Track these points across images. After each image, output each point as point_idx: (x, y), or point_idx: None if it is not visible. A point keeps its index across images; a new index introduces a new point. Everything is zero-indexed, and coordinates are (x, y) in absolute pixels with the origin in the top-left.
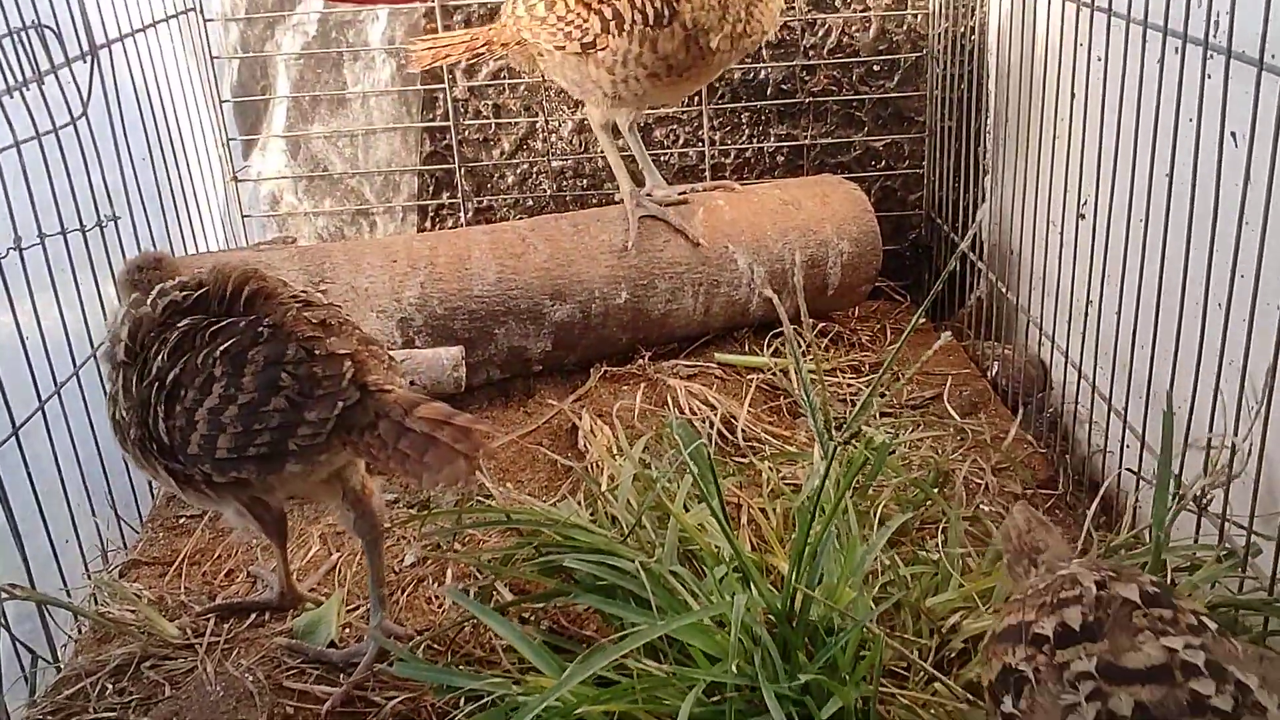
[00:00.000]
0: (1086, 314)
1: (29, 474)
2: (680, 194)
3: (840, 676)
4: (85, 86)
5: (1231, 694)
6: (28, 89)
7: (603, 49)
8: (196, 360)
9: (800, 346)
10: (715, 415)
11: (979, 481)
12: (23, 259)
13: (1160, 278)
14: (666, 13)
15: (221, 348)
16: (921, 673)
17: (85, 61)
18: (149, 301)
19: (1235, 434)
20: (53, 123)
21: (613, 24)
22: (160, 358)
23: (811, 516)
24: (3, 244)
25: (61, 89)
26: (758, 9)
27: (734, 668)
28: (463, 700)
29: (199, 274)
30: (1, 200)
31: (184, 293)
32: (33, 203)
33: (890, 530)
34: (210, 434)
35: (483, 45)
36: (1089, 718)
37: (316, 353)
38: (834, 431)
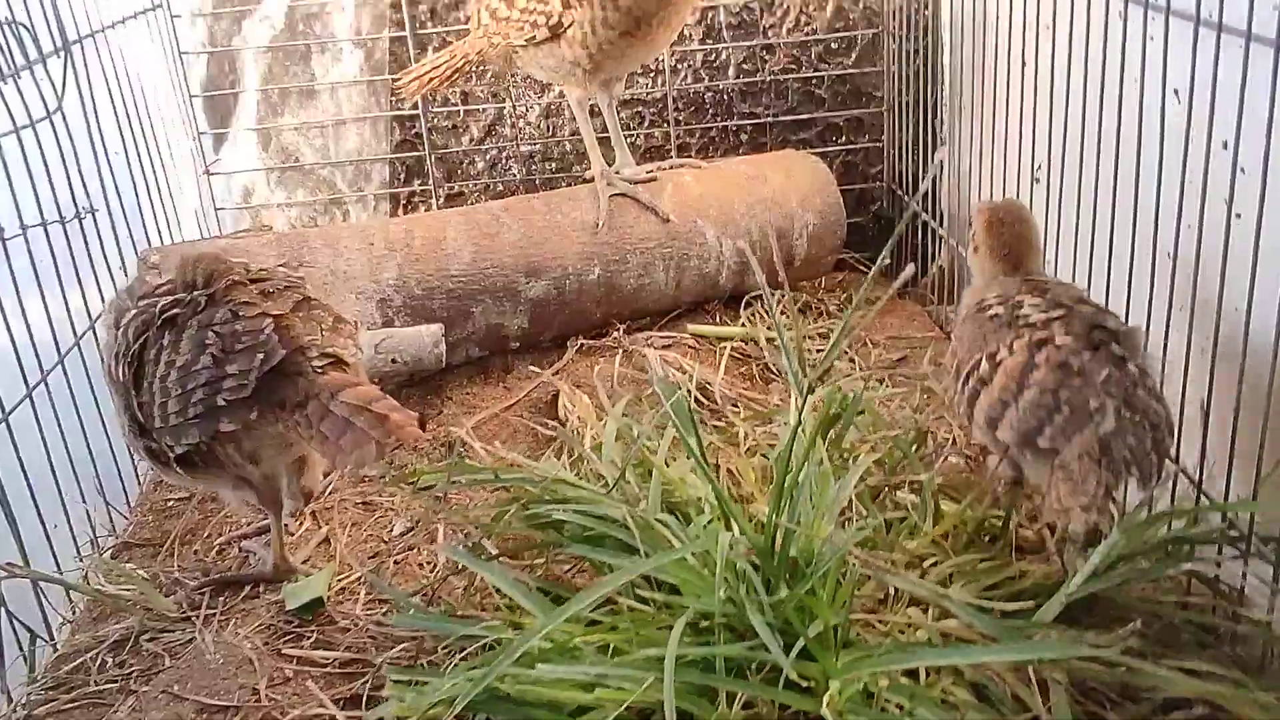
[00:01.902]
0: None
1: (19, 459)
2: (649, 172)
3: (821, 601)
4: (59, 82)
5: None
6: (5, 83)
7: (569, 25)
8: (151, 335)
9: (773, 297)
10: (691, 382)
11: (948, 436)
12: (5, 249)
13: (1111, 233)
14: None
15: (163, 318)
16: (899, 598)
17: (59, 57)
18: (127, 289)
19: (1185, 372)
20: (29, 117)
21: None
22: (128, 337)
23: (788, 454)
24: None
25: (36, 84)
26: None
27: (720, 594)
28: (458, 652)
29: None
30: None
31: (157, 285)
32: (14, 195)
33: (862, 468)
34: (162, 402)
35: (462, 61)
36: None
37: (241, 314)
38: (808, 370)
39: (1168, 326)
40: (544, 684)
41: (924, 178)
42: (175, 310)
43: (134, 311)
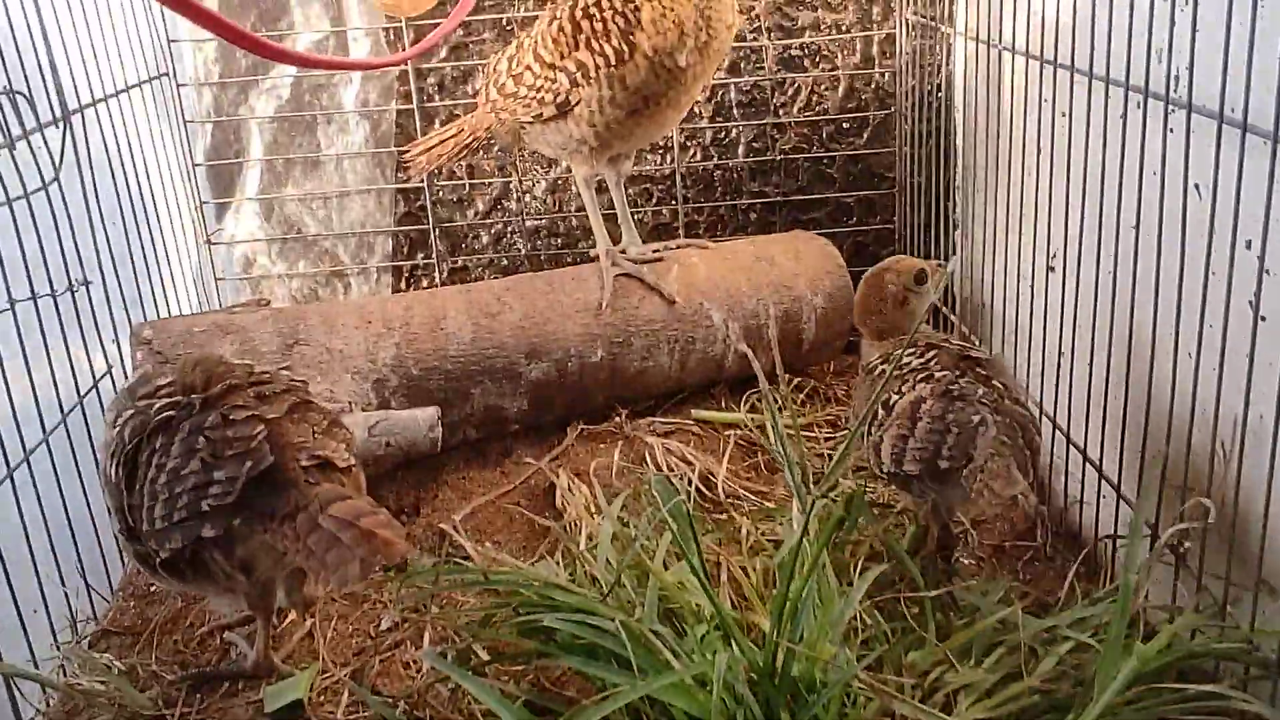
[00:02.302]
0: (1059, 365)
1: None
2: (655, 251)
3: None
4: (57, 151)
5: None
6: None
7: (576, 102)
8: (145, 437)
9: (776, 402)
10: (693, 472)
11: (958, 535)
12: None
13: (1130, 329)
14: (626, 49)
15: (158, 420)
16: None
17: (58, 127)
18: (128, 387)
19: (1209, 483)
20: (23, 187)
21: (579, 75)
22: (123, 437)
23: (790, 573)
24: None
25: (33, 154)
26: (713, 12)
27: None
28: None
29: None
30: None
31: (158, 385)
32: (2, 268)
33: (867, 584)
34: (150, 505)
35: (469, 137)
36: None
37: (233, 418)
38: (811, 486)
39: (1190, 429)
40: None
41: (938, 284)
42: (171, 413)
43: (131, 411)
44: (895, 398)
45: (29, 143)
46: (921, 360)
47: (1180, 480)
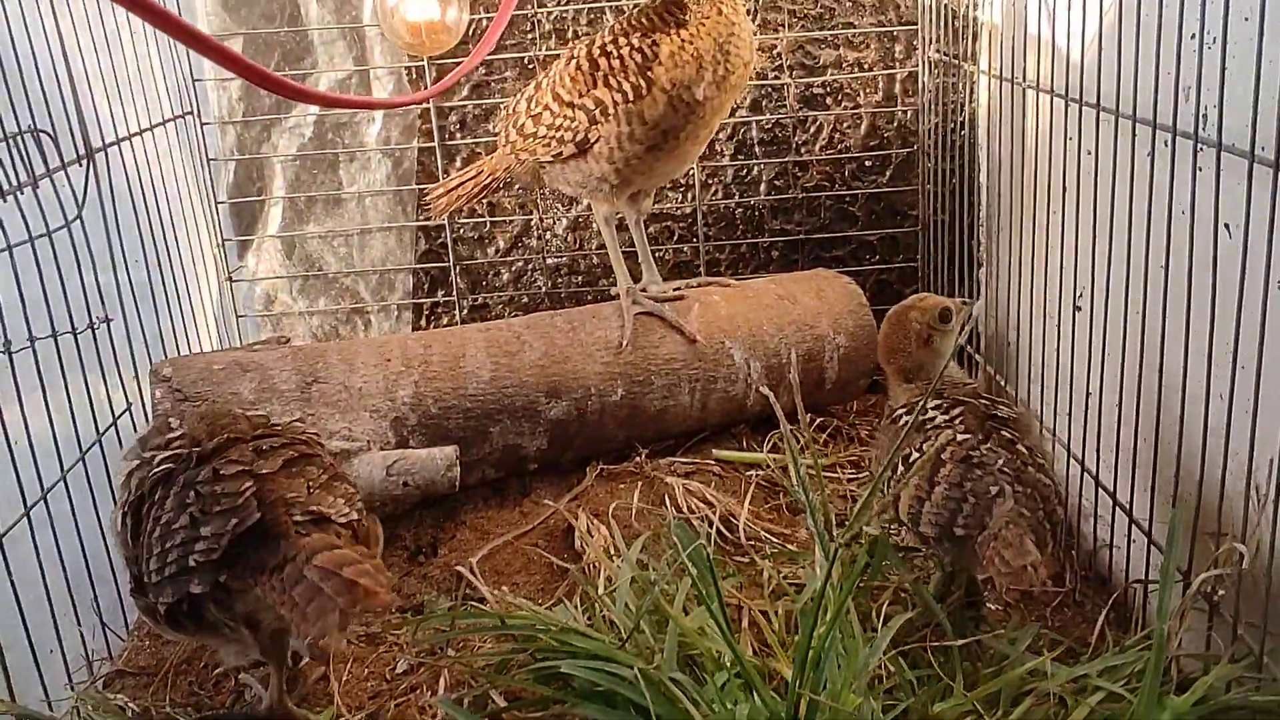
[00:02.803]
0: (1087, 406)
1: (12, 582)
2: (676, 290)
3: None
4: (80, 189)
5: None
6: (22, 193)
7: (595, 140)
8: (146, 490)
9: (798, 445)
10: (714, 514)
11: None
12: (12, 362)
13: (1160, 370)
14: (644, 84)
15: (159, 472)
16: None
17: (81, 165)
18: (141, 438)
19: (1244, 528)
20: (46, 226)
21: (597, 112)
22: (129, 489)
23: (813, 622)
24: None
25: (56, 192)
26: (732, 45)
27: None
28: None
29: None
30: None
31: (169, 438)
32: (24, 305)
33: (892, 632)
34: (147, 558)
35: (489, 178)
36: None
37: (223, 473)
38: (834, 532)
39: (1224, 472)
40: None
41: (963, 329)
42: (170, 466)
43: (137, 463)
44: (915, 454)
45: (52, 181)
46: (946, 417)
47: (1213, 525)
